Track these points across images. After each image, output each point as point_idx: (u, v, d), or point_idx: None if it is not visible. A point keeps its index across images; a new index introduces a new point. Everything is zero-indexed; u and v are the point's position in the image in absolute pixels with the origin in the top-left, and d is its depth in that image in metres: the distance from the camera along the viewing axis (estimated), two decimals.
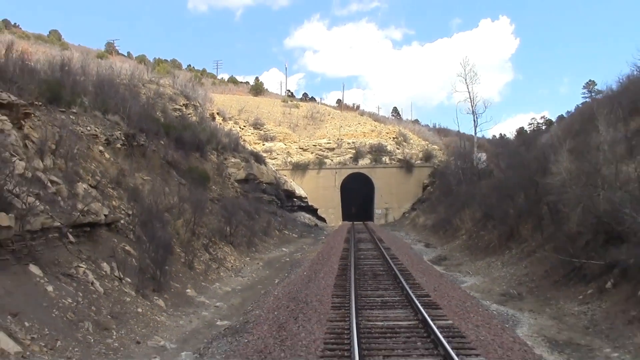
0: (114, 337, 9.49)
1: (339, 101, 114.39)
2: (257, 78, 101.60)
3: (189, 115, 42.06)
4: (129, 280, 12.59)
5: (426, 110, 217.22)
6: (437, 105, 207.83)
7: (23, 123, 15.02)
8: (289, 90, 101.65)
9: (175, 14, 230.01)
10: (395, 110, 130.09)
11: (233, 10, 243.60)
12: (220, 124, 51.47)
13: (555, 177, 15.46)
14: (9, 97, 14.60)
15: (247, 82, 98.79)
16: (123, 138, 21.64)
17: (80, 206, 13.94)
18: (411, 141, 60.55)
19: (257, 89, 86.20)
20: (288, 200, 45.99)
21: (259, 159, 42.09)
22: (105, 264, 12.80)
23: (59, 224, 12.50)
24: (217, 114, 54.44)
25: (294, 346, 8.57)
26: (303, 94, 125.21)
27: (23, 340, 7.94)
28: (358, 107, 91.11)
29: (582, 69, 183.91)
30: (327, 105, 78.96)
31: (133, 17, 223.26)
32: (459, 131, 59.49)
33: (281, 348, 8.55)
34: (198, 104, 47.28)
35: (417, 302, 11.00)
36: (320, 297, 12.25)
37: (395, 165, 53.94)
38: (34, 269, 10.39)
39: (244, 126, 56.70)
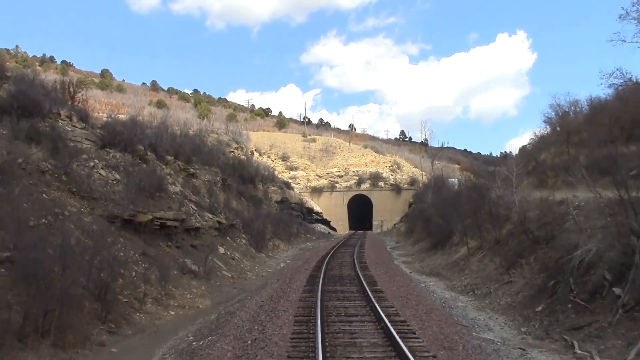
0: (256, 261, 27.21)
1: (350, 126, 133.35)
2: (280, 112, 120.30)
3: (239, 155, 60.03)
4: (248, 247, 30.33)
5: (442, 126, 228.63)
6: (453, 120, 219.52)
7: (185, 175, 32.89)
8: (306, 117, 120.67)
9: (194, 32, 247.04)
10: (402, 133, 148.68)
11: (250, 27, 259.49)
12: (258, 157, 69.66)
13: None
14: (176, 161, 32.43)
15: (272, 116, 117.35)
16: (220, 180, 39.53)
17: (209, 216, 31.61)
18: (404, 168, 78.08)
19: (281, 123, 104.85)
20: (309, 214, 63.70)
21: (288, 186, 60.09)
22: (235, 241, 30.43)
23: (199, 224, 30.18)
24: (255, 150, 72.71)
25: (311, 260, 25.90)
26: (319, 119, 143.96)
27: (228, 270, 25.64)
28: (364, 131, 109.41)
29: (598, 83, 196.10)
30: (338, 138, 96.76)
31: (154, 38, 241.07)
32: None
33: (308, 263, 25.99)
34: (243, 146, 65.45)
35: (366, 258, 28.56)
36: (327, 251, 29.86)
37: (388, 188, 71.53)
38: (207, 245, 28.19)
39: (275, 159, 74.93)
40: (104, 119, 39.11)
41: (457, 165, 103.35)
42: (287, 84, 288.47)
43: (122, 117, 60.53)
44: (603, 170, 14.09)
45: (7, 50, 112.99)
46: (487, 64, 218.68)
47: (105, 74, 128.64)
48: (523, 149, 40.46)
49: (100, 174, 21.53)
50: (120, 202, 19.62)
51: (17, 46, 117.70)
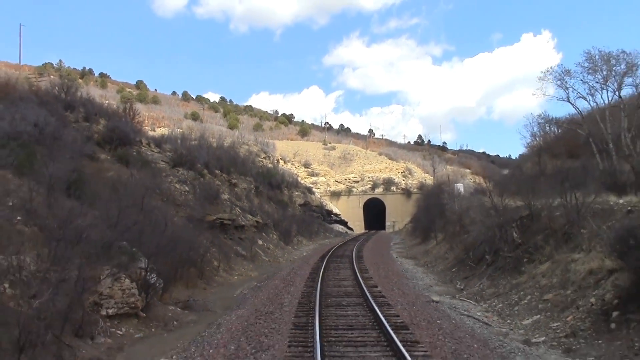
0: (285, 251, 36.07)
1: (370, 131, 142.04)
2: (303, 121, 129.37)
3: (267, 164, 69.07)
4: (278, 241, 39.17)
5: (465, 126, 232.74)
6: (477, 120, 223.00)
7: (228, 184, 41.88)
8: (327, 123, 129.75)
9: (217, 36, 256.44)
10: (420, 137, 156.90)
11: (273, 30, 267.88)
12: (283, 165, 78.70)
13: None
14: (222, 174, 41.38)
15: (295, 122, 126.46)
16: (254, 187, 48.45)
17: (250, 217, 40.45)
18: (415, 174, 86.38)
19: (304, 131, 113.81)
20: (328, 216, 72.43)
21: (310, 191, 68.98)
22: (269, 236, 39.23)
23: (244, 223, 39.00)
24: (281, 158, 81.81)
25: (325, 249, 34.62)
26: (339, 125, 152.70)
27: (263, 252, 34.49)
28: (383, 135, 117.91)
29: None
30: (356, 145, 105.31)
31: (179, 42, 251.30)
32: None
33: (322, 251, 34.67)
34: (270, 155, 74.55)
35: (371, 238, 37.14)
36: (339, 244, 38.51)
37: (399, 192, 79.87)
38: (242, 240, 37.09)
39: (298, 166, 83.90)
40: (159, 134, 48.55)
41: (468, 170, 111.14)
42: (310, 85, 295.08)
43: (164, 131, 70.57)
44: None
45: (52, 64, 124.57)
46: (511, 64, 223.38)
47: (140, 85, 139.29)
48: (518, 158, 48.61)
49: (175, 186, 30.55)
50: (193, 207, 28.58)
51: (60, 61, 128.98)
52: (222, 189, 37.11)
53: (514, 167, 46.96)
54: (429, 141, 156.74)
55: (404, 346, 8.44)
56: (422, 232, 38.48)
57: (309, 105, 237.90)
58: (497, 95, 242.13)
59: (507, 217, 18.76)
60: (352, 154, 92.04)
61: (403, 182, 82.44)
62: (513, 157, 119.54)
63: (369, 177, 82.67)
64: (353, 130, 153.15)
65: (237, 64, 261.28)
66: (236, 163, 49.74)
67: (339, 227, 74.47)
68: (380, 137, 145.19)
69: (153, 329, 13.02)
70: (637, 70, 24.23)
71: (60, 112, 30.15)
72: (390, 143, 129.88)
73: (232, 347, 9.25)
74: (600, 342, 9.91)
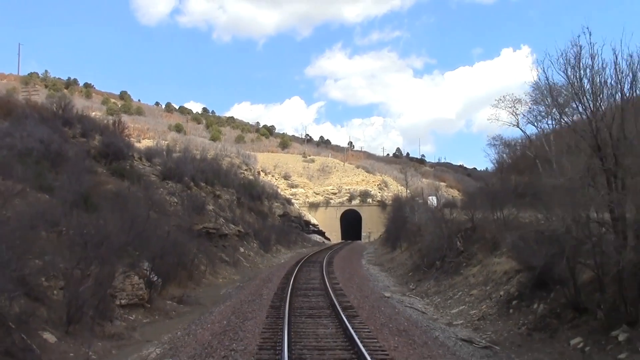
0: (264, 258, 39.16)
1: (350, 143, 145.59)
2: (283, 135, 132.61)
3: (248, 175, 72.07)
4: (258, 249, 42.24)
5: (445, 139, 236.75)
6: (456, 133, 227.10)
7: (213, 196, 44.89)
8: (307, 135, 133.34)
9: (200, 45, 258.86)
10: (398, 150, 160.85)
11: (256, 40, 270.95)
12: (264, 177, 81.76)
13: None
14: (207, 186, 44.40)
15: (276, 134, 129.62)
16: (236, 198, 51.45)
17: (233, 226, 43.46)
18: (390, 186, 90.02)
19: (284, 144, 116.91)
20: (306, 226, 75.55)
21: (289, 202, 72.12)
22: (250, 245, 42.25)
23: (227, 232, 41.99)
24: (262, 170, 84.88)
25: (302, 257, 37.84)
26: (320, 137, 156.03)
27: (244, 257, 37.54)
28: (362, 148, 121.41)
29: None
30: (334, 158, 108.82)
31: (161, 50, 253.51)
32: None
33: (298, 258, 37.87)
34: (252, 167, 77.62)
35: (346, 247, 40.41)
36: (314, 253, 41.71)
37: (375, 204, 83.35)
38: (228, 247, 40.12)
39: (278, 178, 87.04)
40: (144, 146, 51.27)
41: (443, 183, 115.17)
42: (292, 96, 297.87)
43: (149, 143, 73.23)
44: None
45: (37, 74, 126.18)
46: (491, 78, 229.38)
47: (124, 95, 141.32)
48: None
49: (166, 198, 33.48)
50: (182, 217, 31.53)
51: (46, 71, 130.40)
52: (208, 200, 40.05)
53: (482, 182, 50.32)
54: (408, 154, 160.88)
55: (345, 317, 11.72)
56: (391, 242, 41.85)
57: (291, 115, 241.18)
58: (476, 109, 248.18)
59: (454, 229, 22.21)
60: (330, 167, 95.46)
61: (379, 194, 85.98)
62: (490, 170, 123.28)
63: (346, 189, 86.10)
64: (333, 142, 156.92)
65: (220, 74, 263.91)
66: (219, 175, 52.64)
67: (317, 237, 77.57)
68: (360, 150, 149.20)
69: (157, 317, 16.07)
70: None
71: (60, 128, 33.00)
72: (369, 156, 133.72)
73: (225, 322, 12.38)
74: (499, 322, 13.30)
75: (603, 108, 10.28)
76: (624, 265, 9.44)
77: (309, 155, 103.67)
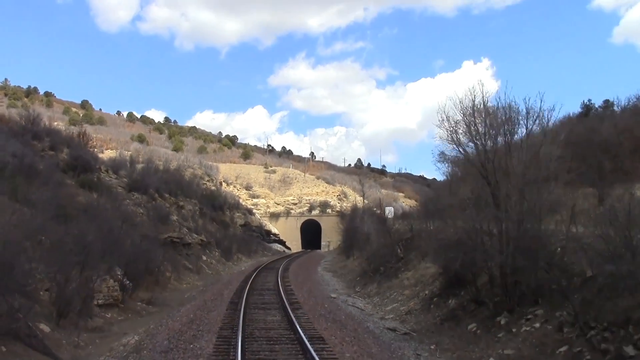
0: (226, 266, 41.33)
1: (311, 154, 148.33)
2: (246, 146, 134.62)
3: (210, 186, 73.89)
4: (220, 257, 44.36)
5: (407, 149, 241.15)
6: (418, 143, 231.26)
7: (176, 207, 46.81)
8: (270, 145, 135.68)
9: (162, 52, 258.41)
10: (359, 161, 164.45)
11: (219, 48, 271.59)
12: (226, 187, 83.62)
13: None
14: (170, 197, 46.35)
15: (238, 144, 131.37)
16: (199, 209, 53.38)
17: (195, 235, 45.46)
18: (349, 197, 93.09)
19: (246, 155, 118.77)
20: (267, 235, 77.76)
21: (250, 212, 74.24)
22: (212, 253, 44.31)
23: (190, 241, 44.01)
24: (224, 181, 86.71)
25: (261, 264, 40.22)
26: (282, 147, 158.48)
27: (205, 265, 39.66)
28: (323, 158, 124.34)
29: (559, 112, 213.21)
30: (296, 169, 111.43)
31: (123, 57, 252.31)
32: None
33: (258, 265, 40.23)
34: (214, 178, 79.43)
35: (304, 256, 42.94)
36: (273, 261, 44.11)
37: (334, 214, 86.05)
38: (184, 254, 42.20)
39: (240, 188, 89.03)
40: (107, 157, 52.68)
41: (401, 194, 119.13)
42: (255, 105, 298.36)
43: (112, 153, 74.27)
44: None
45: None
46: (452, 89, 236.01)
47: (85, 104, 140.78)
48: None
49: (132, 209, 35.36)
50: (148, 227, 33.49)
51: (6, 79, 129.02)
52: (172, 210, 42.00)
53: (432, 193, 53.61)
54: (369, 164, 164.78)
55: (291, 309, 14.33)
56: (346, 250, 44.63)
57: (254, 124, 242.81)
58: (437, 120, 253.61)
59: (396, 238, 25.06)
60: (291, 178, 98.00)
61: (338, 204, 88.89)
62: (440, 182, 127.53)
63: (306, 200, 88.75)
64: (296, 152, 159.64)
65: (182, 82, 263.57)
66: (182, 186, 54.48)
67: (278, 247, 79.84)
68: (321, 160, 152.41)
69: (130, 315, 18.26)
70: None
71: (30, 142, 34.65)
72: (330, 166, 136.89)
73: (192, 315, 14.75)
74: (421, 315, 16.09)
75: (490, 144, 13.19)
76: (504, 267, 12.33)
77: (271, 166, 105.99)
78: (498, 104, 13.16)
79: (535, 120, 13.38)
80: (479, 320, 13.18)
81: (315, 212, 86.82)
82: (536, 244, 11.57)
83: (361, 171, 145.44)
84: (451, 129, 13.48)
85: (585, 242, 10.77)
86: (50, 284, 16.44)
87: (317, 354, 9.52)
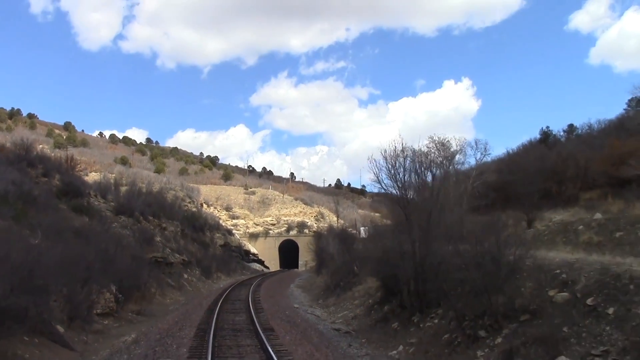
0: (206, 284, 44.74)
1: (291, 174, 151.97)
2: (227, 167, 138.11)
3: (191, 208, 77.24)
4: (200, 276, 47.73)
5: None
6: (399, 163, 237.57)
7: (160, 228, 50.19)
8: (250, 166, 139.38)
9: (144, 71, 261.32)
10: (338, 180, 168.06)
11: (201, 67, 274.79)
12: (206, 209, 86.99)
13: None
14: (154, 219, 49.74)
15: (219, 165, 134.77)
16: (180, 230, 56.73)
17: (178, 255, 48.82)
18: (326, 218, 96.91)
19: (227, 176, 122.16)
20: (246, 255, 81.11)
21: (230, 232, 77.65)
22: (193, 272, 47.63)
23: (173, 260, 47.34)
24: (204, 202, 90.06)
25: (239, 282, 43.69)
26: (262, 168, 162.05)
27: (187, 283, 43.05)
28: (303, 179, 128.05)
29: (537, 132, 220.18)
30: (275, 189, 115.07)
31: (104, 76, 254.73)
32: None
33: (236, 283, 43.71)
34: (195, 200, 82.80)
35: (280, 274, 46.50)
36: (250, 279, 47.57)
37: (311, 235, 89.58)
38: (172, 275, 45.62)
39: (220, 210, 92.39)
40: (93, 180, 55.83)
41: (377, 214, 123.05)
42: (237, 124, 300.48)
43: (96, 176, 77.26)
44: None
45: None
46: (433, 109, 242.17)
47: (68, 126, 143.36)
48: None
49: (120, 231, 38.77)
50: (135, 248, 36.91)
51: None
52: (155, 232, 45.40)
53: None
54: (349, 184, 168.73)
55: (254, 313, 18.12)
56: (318, 268, 48.38)
57: (236, 143, 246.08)
58: (419, 139, 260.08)
59: (353, 256, 28.92)
60: (270, 199, 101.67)
61: (315, 225, 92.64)
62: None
63: (284, 221, 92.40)
64: (277, 172, 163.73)
65: (164, 101, 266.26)
66: (165, 208, 57.85)
67: (256, 266, 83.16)
68: (301, 180, 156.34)
69: (123, 323, 21.78)
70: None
71: (25, 169, 38.07)
72: (310, 187, 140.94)
73: (177, 320, 18.41)
74: (363, 319, 19.92)
75: (405, 183, 17.22)
76: (416, 279, 16.26)
77: (251, 187, 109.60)
78: (413, 153, 17.22)
79: (450, 161, 17.46)
80: (400, 320, 17.04)
81: (293, 232, 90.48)
82: (436, 260, 15.53)
83: (340, 191, 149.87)
84: (376, 172, 17.44)
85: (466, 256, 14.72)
86: (60, 295, 19.97)
87: (265, 338, 13.32)
